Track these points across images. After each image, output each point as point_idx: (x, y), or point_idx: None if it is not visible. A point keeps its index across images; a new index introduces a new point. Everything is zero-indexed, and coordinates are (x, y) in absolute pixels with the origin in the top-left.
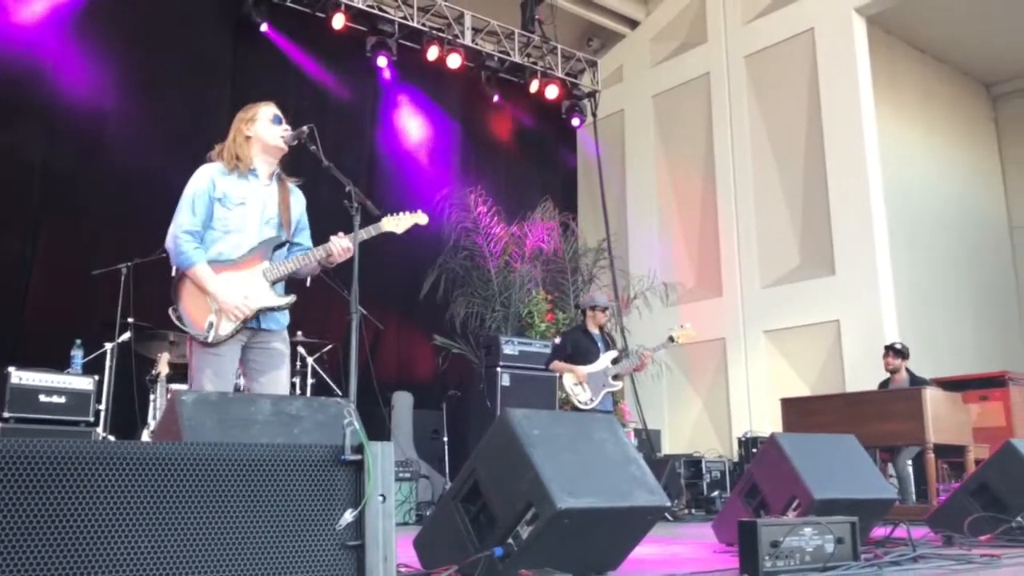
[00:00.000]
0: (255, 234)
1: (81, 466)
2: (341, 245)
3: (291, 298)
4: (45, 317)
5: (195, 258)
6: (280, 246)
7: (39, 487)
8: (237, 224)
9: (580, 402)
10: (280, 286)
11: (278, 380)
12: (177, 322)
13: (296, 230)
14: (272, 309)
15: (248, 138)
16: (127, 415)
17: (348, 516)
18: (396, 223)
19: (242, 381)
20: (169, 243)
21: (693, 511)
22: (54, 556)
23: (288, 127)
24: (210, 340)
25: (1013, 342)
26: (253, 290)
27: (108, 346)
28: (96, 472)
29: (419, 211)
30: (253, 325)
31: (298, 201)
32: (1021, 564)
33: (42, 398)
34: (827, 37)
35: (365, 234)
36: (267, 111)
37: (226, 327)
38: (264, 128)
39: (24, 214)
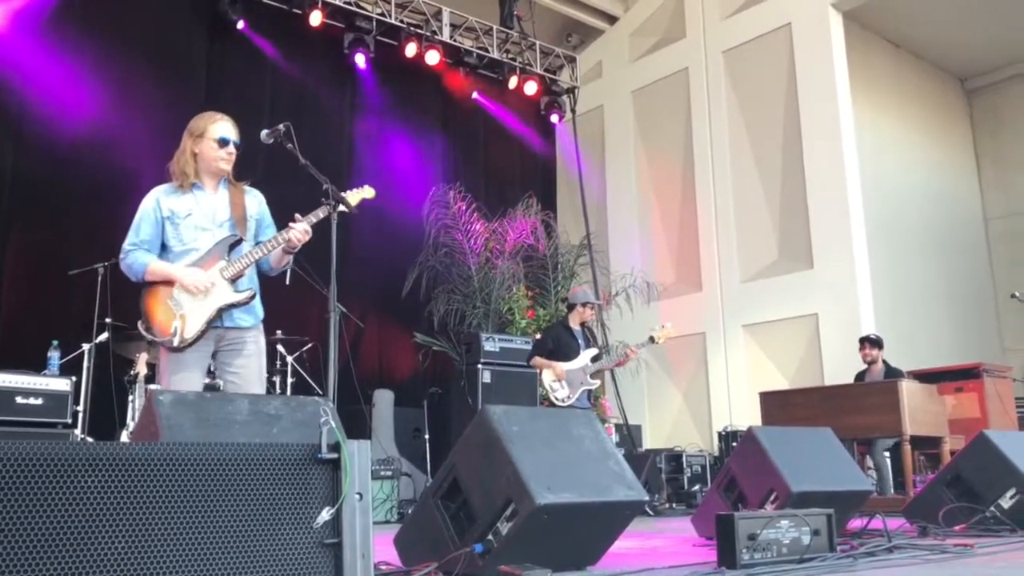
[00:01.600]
0: (209, 240)
1: (59, 468)
2: (299, 228)
3: (248, 292)
4: (21, 318)
5: (145, 259)
6: (236, 244)
7: (16, 489)
8: (190, 237)
9: (557, 399)
10: (242, 282)
11: (247, 376)
12: (146, 333)
13: (259, 228)
14: (232, 305)
15: (195, 154)
16: (105, 416)
17: (325, 514)
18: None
19: (220, 384)
20: (121, 263)
21: (674, 505)
22: (32, 557)
23: (234, 150)
24: (175, 344)
25: (988, 334)
26: (212, 289)
27: (85, 347)
28: (74, 473)
29: (366, 186)
30: (218, 325)
31: (254, 200)
32: (994, 554)
33: (19, 400)
34: (804, 32)
35: (314, 217)
36: (216, 129)
37: (191, 329)
38: (208, 149)
39: None
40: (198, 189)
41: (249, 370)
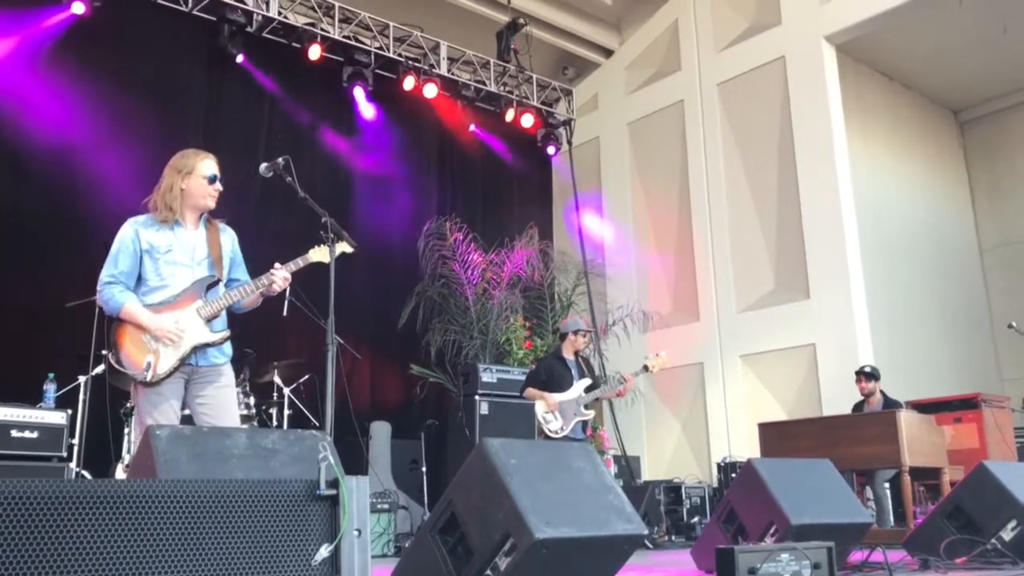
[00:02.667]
0: (187, 277)
1: (57, 506)
2: (280, 276)
3: (224, 332)
4: (17, 351)
5: (121, 299)
6: (213, 285)
7: (14, 528)
8: (168, 272)
9: (551, 431)
10: (217, 322)
11: (218, 406)
12: (116, 366)
13: (231, 267)
14: (207, 345)
15: (182, 191)
16: (101, 449)
17: (324, 551)
18: (324, 253)
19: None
20: (98, 295)
21: (673, 537)
22: None
23: (220, 187)
24: (149, 379)
25: (986, 364)
26: (187, 327)
27: (82, 379)
28: (72, 512)
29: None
30: (192, 362)
31: (229, 239)
32: None
33: (14, 433)
34: (798, 65)
35: (294, 265)
36: (204, 167)
37: (164, 365)
38: (197, 186)
39: None
40: (178, 226)
41: (220, 400)
